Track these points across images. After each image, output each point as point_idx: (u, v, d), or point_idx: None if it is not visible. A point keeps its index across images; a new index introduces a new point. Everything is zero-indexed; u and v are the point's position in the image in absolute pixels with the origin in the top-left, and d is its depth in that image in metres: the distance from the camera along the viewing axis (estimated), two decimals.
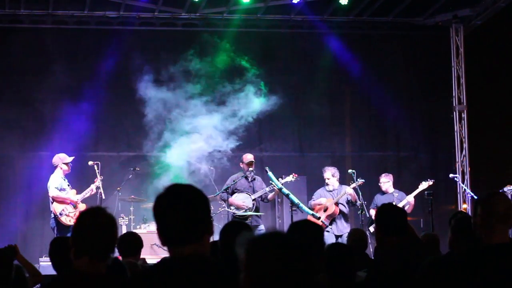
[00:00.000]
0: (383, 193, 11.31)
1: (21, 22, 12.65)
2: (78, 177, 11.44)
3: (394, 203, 10.79)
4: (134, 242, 5.71)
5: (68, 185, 10.68)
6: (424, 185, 11.10)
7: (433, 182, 11.16)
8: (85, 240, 3.19)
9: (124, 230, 10.74)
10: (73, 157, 10.78)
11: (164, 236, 2.69)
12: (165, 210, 2.68)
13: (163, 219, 2.68)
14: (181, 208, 2.64)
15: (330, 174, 10.97)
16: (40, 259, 10.30)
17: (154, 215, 2.71)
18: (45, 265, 9.34)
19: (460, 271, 3.48)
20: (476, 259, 3.56)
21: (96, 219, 3.21)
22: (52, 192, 10.47)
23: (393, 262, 4.20)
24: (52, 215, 10.48)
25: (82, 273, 3.18)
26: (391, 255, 4.35)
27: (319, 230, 3.92)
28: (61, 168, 10.63)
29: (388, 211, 4.62)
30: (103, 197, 10.69)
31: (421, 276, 3.42)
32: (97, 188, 10.68)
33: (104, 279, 3.20)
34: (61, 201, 10.47)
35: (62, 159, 10.66)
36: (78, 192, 10.70)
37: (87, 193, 10.68)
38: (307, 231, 3.72)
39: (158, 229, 2.71)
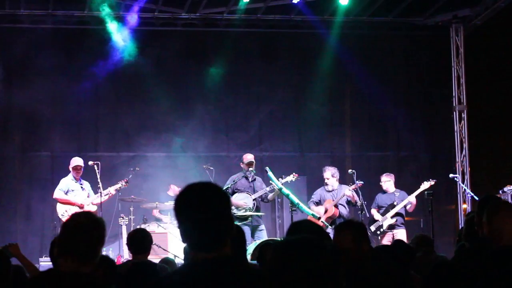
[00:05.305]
0: (385, 192, 11.32)
1: (21, 22, 12.62)
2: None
3: (395, 203, 10.97)
4: (143, 239, 5.74)
5: (82, 188, 10.85)
6: (426, 185, 11.08)
7: (435, 182, 11.15)
8: (64, 239, 3.20)
9: (124, 230, 10.75)
10: (78, 162, 10.86)
11: (186, 241, 2.53)
12: (186, 215, 2.51)
13: (184, 223, 2.52)
14: (204, 216, 2.47)
15: (330, 174, 10.97)
16: (40, 259, 10.31)
17: (175, 216, 2.55)
18: (45, 265, 9.34)
19: (469, 274, 3.42)
20: (486, 263, 3.51)
21: (76, 220, 3.21)
22: (55, 193, 10.83)
23: None
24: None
25: (61, 272, 3.16)
26: None
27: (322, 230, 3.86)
28: (71, 172, 10.89)
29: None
30: (102, 197, 10.73)
31: (430, 278, 3.35)
32: (116, 190, 10.93)
33: (84, 279, 3.14)
34: (64, 203, 10.72)
35: (70, 163, 10.92)
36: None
37: (105, 195, 10.80)
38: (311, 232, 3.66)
39: (180, 230, 2.55)
